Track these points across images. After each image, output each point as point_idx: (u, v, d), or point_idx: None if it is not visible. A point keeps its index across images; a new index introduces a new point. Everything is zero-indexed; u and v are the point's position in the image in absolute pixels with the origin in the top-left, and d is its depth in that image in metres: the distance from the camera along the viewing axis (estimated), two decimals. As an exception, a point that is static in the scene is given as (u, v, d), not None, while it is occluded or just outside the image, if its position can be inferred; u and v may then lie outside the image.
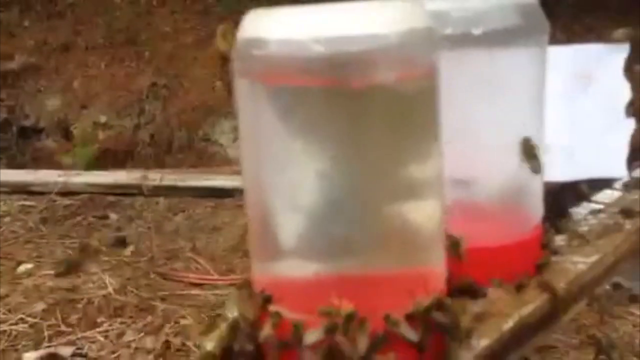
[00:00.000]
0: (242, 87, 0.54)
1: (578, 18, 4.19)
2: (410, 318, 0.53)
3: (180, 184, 3.45)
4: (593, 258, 0.75)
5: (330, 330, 0.50)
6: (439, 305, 0.53)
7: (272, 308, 0.53)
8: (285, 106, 0.51)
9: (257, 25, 0.52)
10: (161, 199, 3.45)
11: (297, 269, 0.53)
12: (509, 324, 0.62)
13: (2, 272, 2.70)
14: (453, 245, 0.61)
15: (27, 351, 2.14)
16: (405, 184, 0.54)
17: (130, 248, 2.89)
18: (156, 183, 3.44)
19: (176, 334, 2.27)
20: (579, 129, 0.88)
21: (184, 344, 2.20)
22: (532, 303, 0.66)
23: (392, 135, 0.53)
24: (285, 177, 0.53)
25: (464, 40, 0.67)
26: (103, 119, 5.18)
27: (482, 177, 0.70)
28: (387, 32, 0.51)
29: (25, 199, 3.39)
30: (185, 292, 2.51)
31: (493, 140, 0.70)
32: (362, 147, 0.52)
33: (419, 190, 0.55)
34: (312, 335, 0.50)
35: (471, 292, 0.64)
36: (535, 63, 0.71)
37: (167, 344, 2.20)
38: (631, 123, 0.92)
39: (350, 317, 0.49)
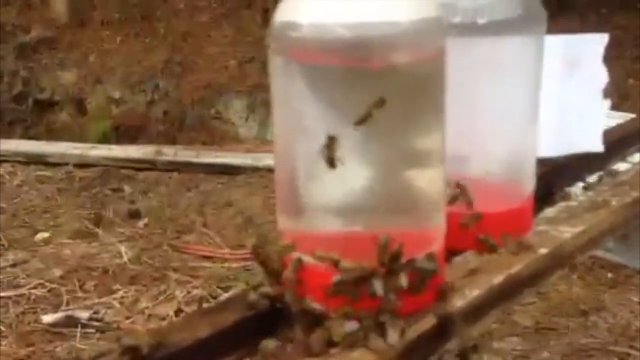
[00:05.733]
0: (276, 64, 0.62)
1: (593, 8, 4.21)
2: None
3: (193, 160, 3.51)
4: (578, 228, 0.84)
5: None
6: (429, 257, 0.62)
7: (295, 255, 0.61)
8: (313, 81, 0.60)
9: (293, 10, 0.60)
10: (174, 174, 3.52)
11: (319, 224, 0.61)
12: (498, 279, 0.70)
13: (19, 239, 2.77)
14: (462, 191, 0.70)
15: (45, 313, 2.20)
16: (413, 154, 0.62)
17: (144, 220, 2.97)
18: (170, 158, 3.51)
19: (188, 303, 2.32)
20: (565, 109, 0.99)
21: (195, 312, 2.25)
22: (521, 263, 0.74)
23: (403, 110, 0.62)
24: (310, 143, 0.61)
25: (470, 29, 0.75)
26: (117, 94, 5.24)
27: (483, 152, 0.78)
28: (402, 20, 0.60)
29: (41, 170, 3.46)
30: (196, 264, 2.57)
31: (493, 120, 0.78)
32: (377, 119, 0.60)
33: (425, 159, 0.64)
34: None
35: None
36: (532, 50, 0.79)
37: (179, 312, 2.25)
38: (607, 104, 1.03)
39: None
